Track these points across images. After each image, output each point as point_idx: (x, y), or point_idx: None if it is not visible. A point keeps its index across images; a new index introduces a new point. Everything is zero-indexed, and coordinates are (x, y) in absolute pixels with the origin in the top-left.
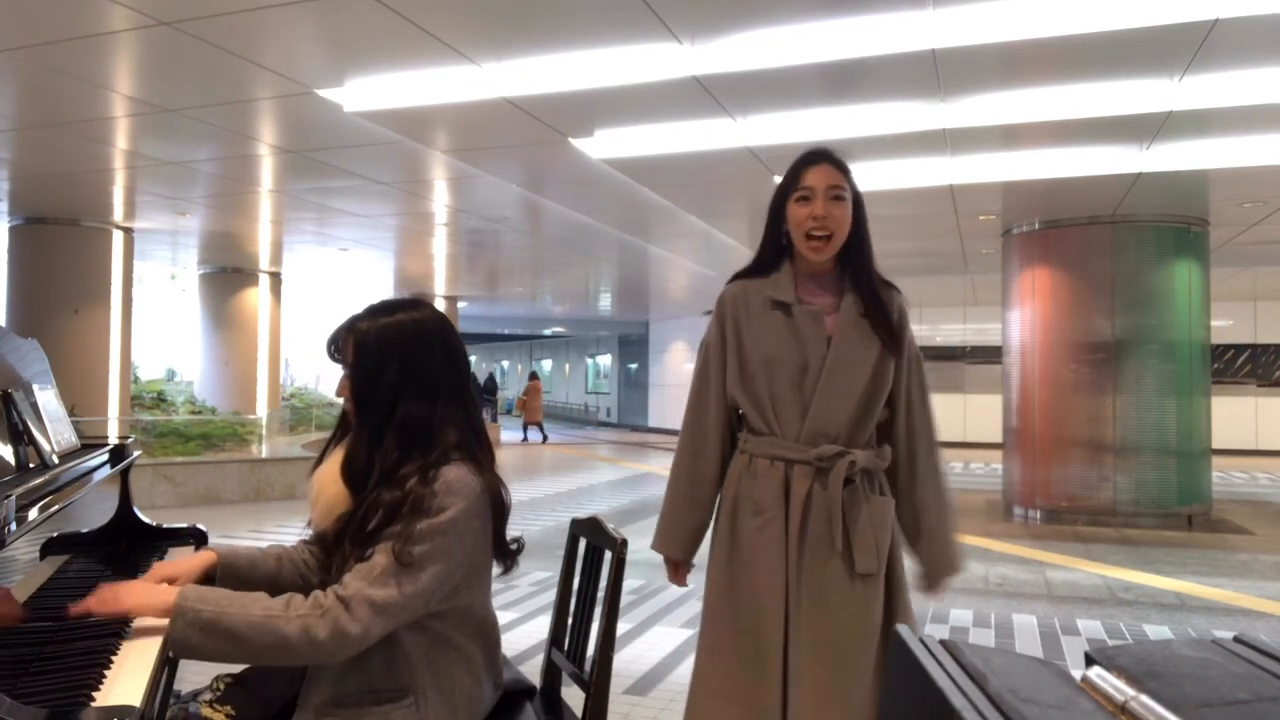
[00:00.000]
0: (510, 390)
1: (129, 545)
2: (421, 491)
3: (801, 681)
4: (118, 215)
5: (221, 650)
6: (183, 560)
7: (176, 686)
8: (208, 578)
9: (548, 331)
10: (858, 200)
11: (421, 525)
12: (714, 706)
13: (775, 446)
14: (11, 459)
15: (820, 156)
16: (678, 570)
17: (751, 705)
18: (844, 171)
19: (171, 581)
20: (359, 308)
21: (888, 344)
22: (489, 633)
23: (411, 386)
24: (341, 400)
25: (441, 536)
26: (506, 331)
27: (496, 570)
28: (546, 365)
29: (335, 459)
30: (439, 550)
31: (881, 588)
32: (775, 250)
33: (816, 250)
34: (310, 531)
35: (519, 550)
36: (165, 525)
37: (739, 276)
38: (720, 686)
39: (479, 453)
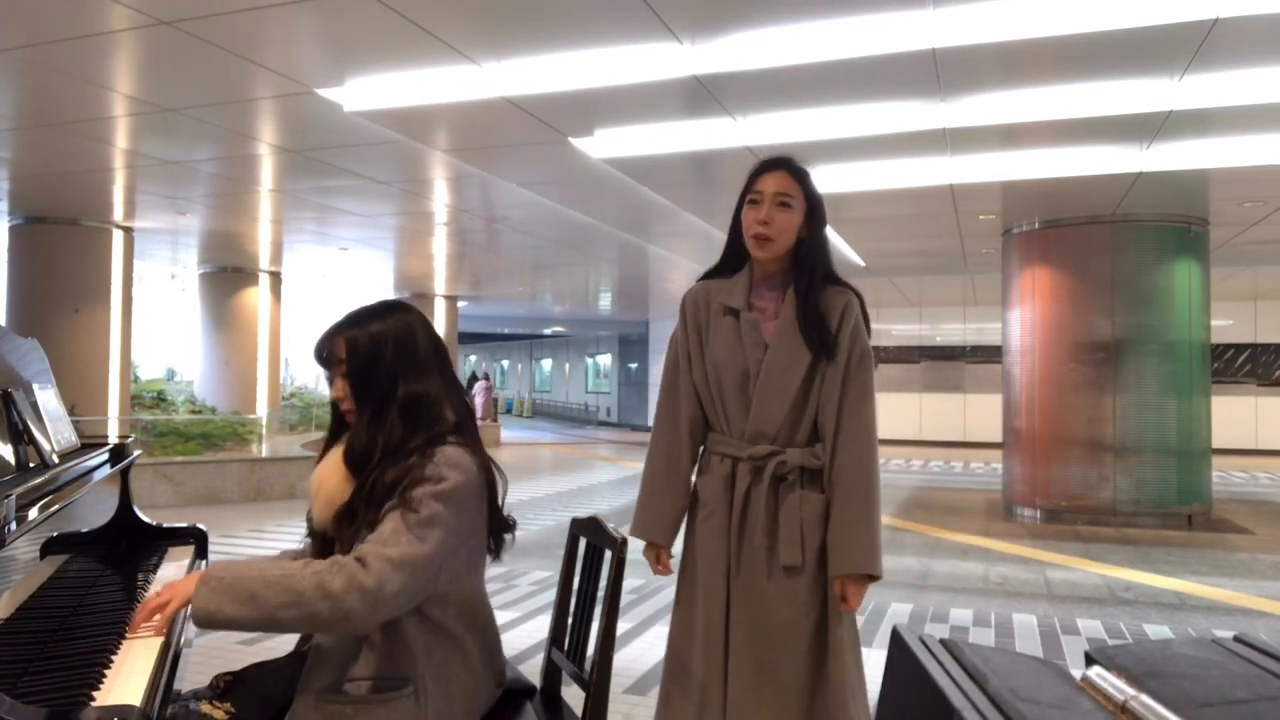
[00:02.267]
0: (510, 389)
1: (129, 545)
2: (422, 464)
3: (737, 658)
4: (118, 215)
5: (240, 613)
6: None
7: (176, 685)
8: None
9: (548, 331)
10: (814, 206)
11: (424, 489)
12: (675, 683)
13: (725, 444)
14: (11, 458)
15: (776, 164)
16: (659, 557)
17: (701, 680)
18: (799, 180)
19: None
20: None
21: (818, 351)
22: (486, 626)
23: (407, 367)
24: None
25: (442, 503)
26: (506, 331)
27: (489, 560)
28: (546, 365)
29: (334, 455)
30: (442, 516)
31: (812, 578)
32: (736, 252)
33: (758, 246)
34: (306, 548)
35: (513, 526)
36: (165, 525)
37: (706, 276)
38: (681, 665)
39: (472, 434)
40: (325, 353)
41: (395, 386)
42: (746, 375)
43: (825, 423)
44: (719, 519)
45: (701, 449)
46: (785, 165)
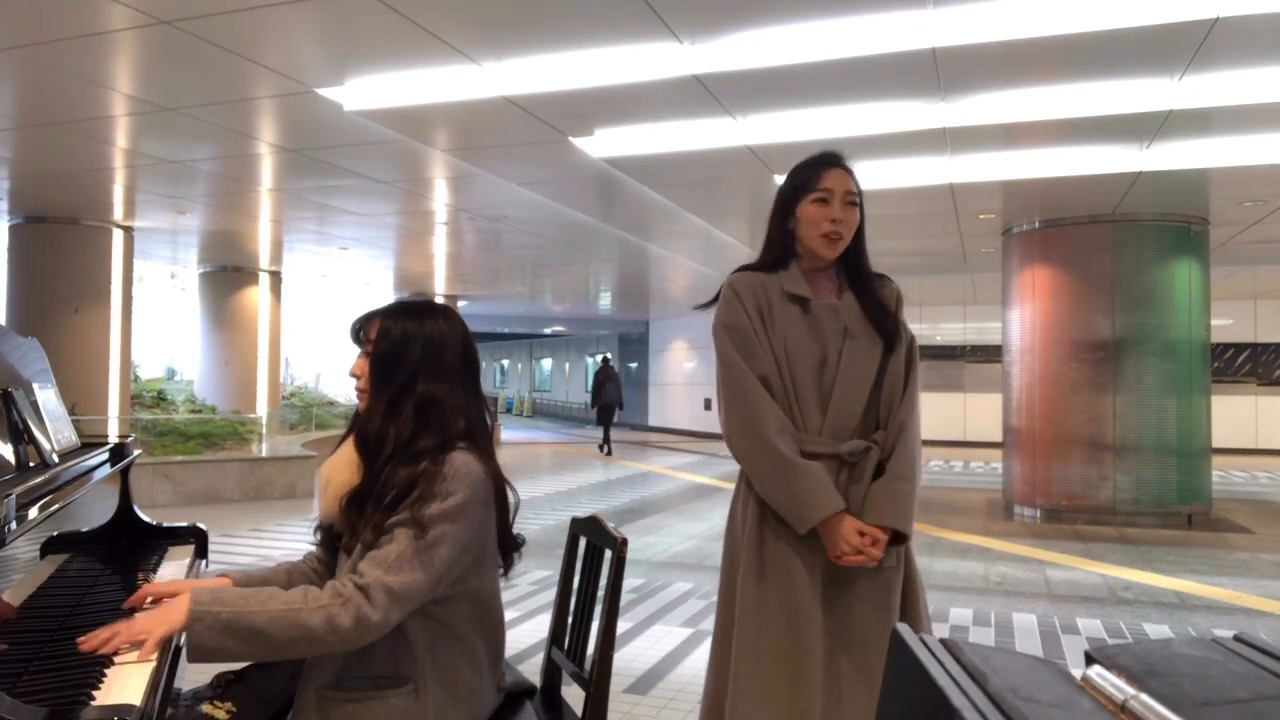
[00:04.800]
0: (511, 389)
1: (129, 544)
2: (433, 472)
3: (839, 671)
4: (118, 214)
5: (243, 650)
6: (198, 581)
7: (177, 684)
8: None
9: (548, 330)
10: (863, 203)
11: (432, 509)
12: (757, 710)
13: (805, 442)
14: (12, 458)
15: (838, 160)
16: (845, 523)
17: (793, 704)
18: (854, 178)
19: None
20: (361, 305)
21: (890, 339)
22: (495, 627)
23: (431, 367)
24: (353, 382)
25: (450, 522)
26: (506, 330)
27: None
28: (546, 364)
29: (346, 449)
30: (449, 535)
31: (901, 579)
32: (784, 247)
33: (830, 246)
34: (316, 542)
35: (521, 545)
36: (165, 524)
37: (746, 269)
38: (762, 690)
39: (485, 445)
40: (359, 330)
41: (415, 382)
42: (822, 364)
43: (887, 409)
44: None
45: None
46: (844, 163)
